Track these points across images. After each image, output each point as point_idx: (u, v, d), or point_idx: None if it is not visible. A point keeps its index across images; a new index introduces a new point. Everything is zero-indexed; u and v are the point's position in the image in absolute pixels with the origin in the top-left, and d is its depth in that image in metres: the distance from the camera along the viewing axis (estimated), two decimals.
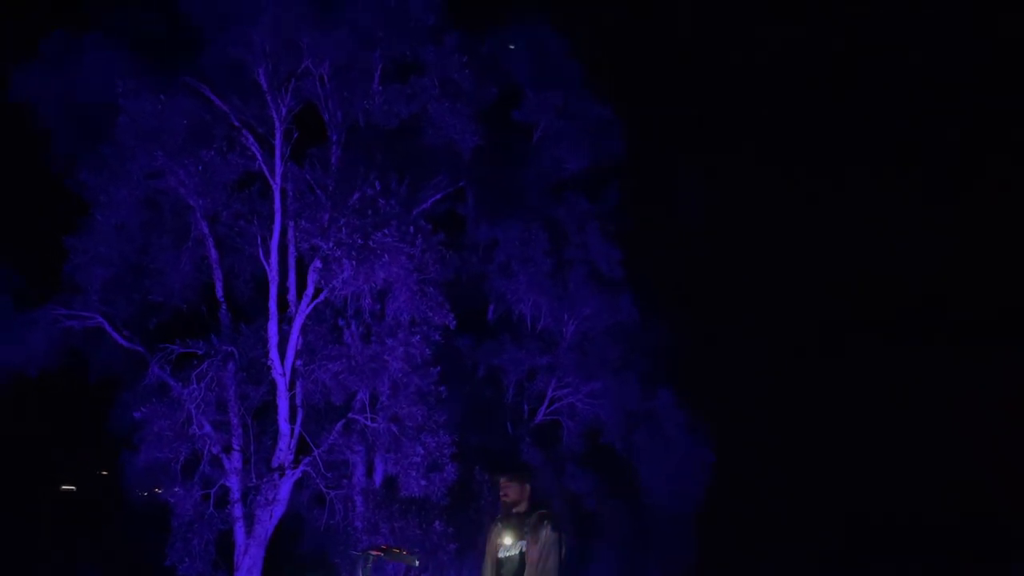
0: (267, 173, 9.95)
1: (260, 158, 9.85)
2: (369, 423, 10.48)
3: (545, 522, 4.81)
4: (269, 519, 10.51)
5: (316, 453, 10.48)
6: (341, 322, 11.48)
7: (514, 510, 4.97)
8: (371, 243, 9.09)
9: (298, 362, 10.66)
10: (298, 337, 10.50)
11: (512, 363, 12.77)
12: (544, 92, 12.76)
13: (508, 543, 4.88)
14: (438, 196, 11.80)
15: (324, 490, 10.53)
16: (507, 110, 12.70)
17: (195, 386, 9.79)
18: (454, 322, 10.55)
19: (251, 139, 9.98)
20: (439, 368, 10.47)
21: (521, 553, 4.83)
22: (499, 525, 5.05)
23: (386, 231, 9.17)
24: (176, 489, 9.80)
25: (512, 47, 12.48)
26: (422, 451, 10.27)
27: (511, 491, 4.98)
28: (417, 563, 4.61)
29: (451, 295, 11.55)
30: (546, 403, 13.11)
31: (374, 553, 4.20)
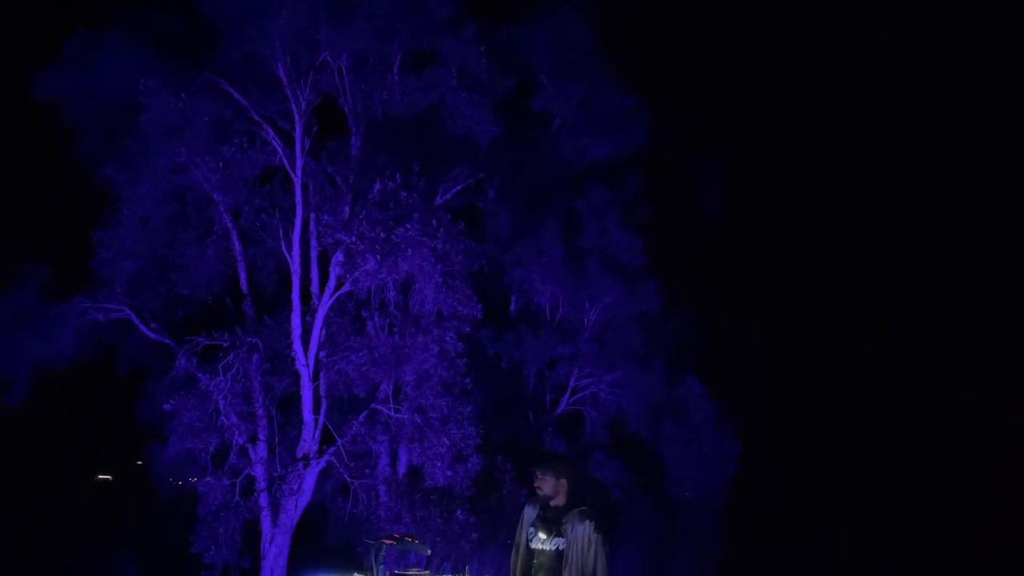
0: (288, 167, 10.04)
1: (281, 152, 9.94)
2: (392, 414, 10.56)
3: (588, 522, 4.70)
4: (295, 508, 10.67)
5: (340, 443, 10.59)
6: (365, 313, 11.59)
7: (551, 503, 4.85)
8: (394, 237, 9.12)
9: (321, 353, 10.77)
10: (321, 329, 10.60)
11: (532, 353, 12.78)
12: (564, 81, 12.68)
13: (543, 536, 4.78)
14: (458, 187, 11.82)
15: (348, 480, 10.64)
16: (526, 100, 12.64)
17: (221, 377, 9.92)
18: (481, 313, 10.60)
19: (272, 133, 10.07)
20: (464, 360, 10.52)
21: (559, 551, 4.72)
22: (533, 510, 4.93)
23: (408, 225, 9.19)
24: (208, 479, 9.97)
25: (530, 35, 12.38)
26: (447, 442, 10.35)
27: (545, 485, 4.86)
28: (429, 551, 4.62)
29: (474, 287, 11.59)
30: (568, 393, 13.10)
31: (386, 542, 4.22)
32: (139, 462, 11.67)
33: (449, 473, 10.00)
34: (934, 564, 16.32)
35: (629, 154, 13.72)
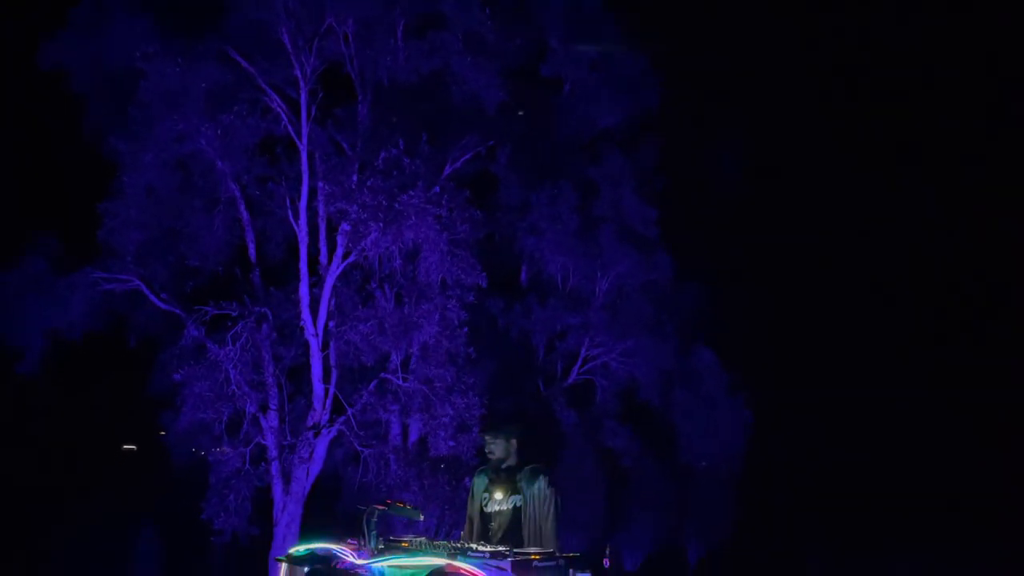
0: (293, 135, 9.96)
1: (285, 119, 9.85)
2: (401, 384, 10.56)
3: (540, 477, 4.78)
4: (306, 477, 10.74)
5: (350, 412, 10.62)
6: (373, 283, 11.57)
7: (503, 466, 4.94)
8: (396, 205, 9.04)
9: (330, 323, 10.77)
10: (329, 298, 10.59)
11: (542, 323, 12.72)
12: (574, 45, 12.44)
13: (499, 497, 4.86)
14: (468, 156, 11.67)
15: (359, 448, 10.68)
16: (535, 67, 12.44)
17: (231, 347, 9.95)
18: (486, 282, 10.52)
19: (277, 101, 9.97)
20: (466, 330, 10.47)
21: (515, 508, 4.80)
22: (484, 478, 5.05)
23: (411, 192, 9.10)
24: (222, 448, 10.04)
25: None
26: (451, 412, 10.33)
27: (497, 448, 4.95)
28: (421, 517, 4.61)
29: (483, 256, 11.50)
30: (579, 362, 13.05)
31: (378, 507, 4.20)
32: (163, 432, 11.80)
33: (452, 443, 9.99)
34: (947, 532, 16.23)
35: (641, 121, 13.51)
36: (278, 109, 9.83)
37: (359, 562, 4.08)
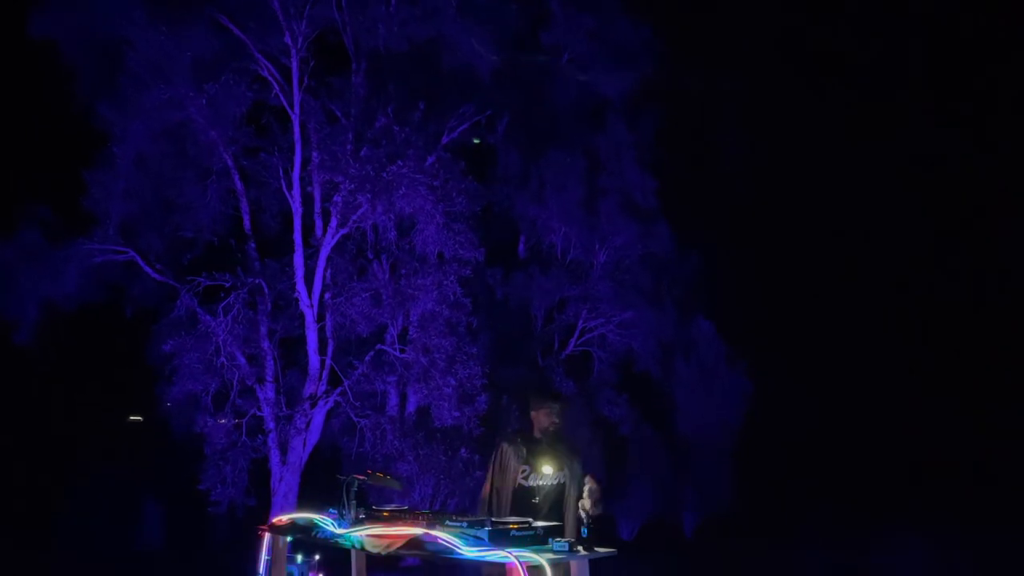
0: (285, 103, 9.85)
1: (277, 88, 9.73)
2: (398, 355, 10.55)
3: (576, 457, 4.73)
4: (303, 447, 10.77)
5: (346, 384, 10.63)
6: (371, 255, 11.52)
7: (544, 440, 4.79)
8: (385, 175, 8.94)
9: (326, 295, 10.75)
10: (324, 270, 10.54)
11: (541, 294, 12.69)
12: (574, 10, 12.22)
13: (548, 472, 4.71)
14: (465, 126, 11.56)
15: (355, 419, 10.70)
16: (534, 35, 12.24)
17: (223, 318, 9.93)
18: (483, 255, 10.46)
19: (268, 69, 9.84)
20: (470, 300, 10.43)
21: (560, 484, 4.71)
22: (520, 448, 4.82)
23: (401, 163, 8.99)
24: (209, 420, 10.06)
25: None
26: (453, 382, 10.32)
27: (549, 419, 4.81)
28: (400, 487, 4.57)
29: (481, 226, 11.42)
30: (576, 334, 13.03)
31: (358, 478, 4.19)
32: (168, 403, 11.85)
33: (456, 413, 9.99)
34: (948, 501, 16.27)
35: (641, 90, 13.32)
36: (269, 77, 9.70)
37: (339, 531, 4.08)
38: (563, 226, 12.79)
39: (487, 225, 12.40)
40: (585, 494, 4.46)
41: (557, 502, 4.70)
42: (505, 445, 4.84)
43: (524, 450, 4.79)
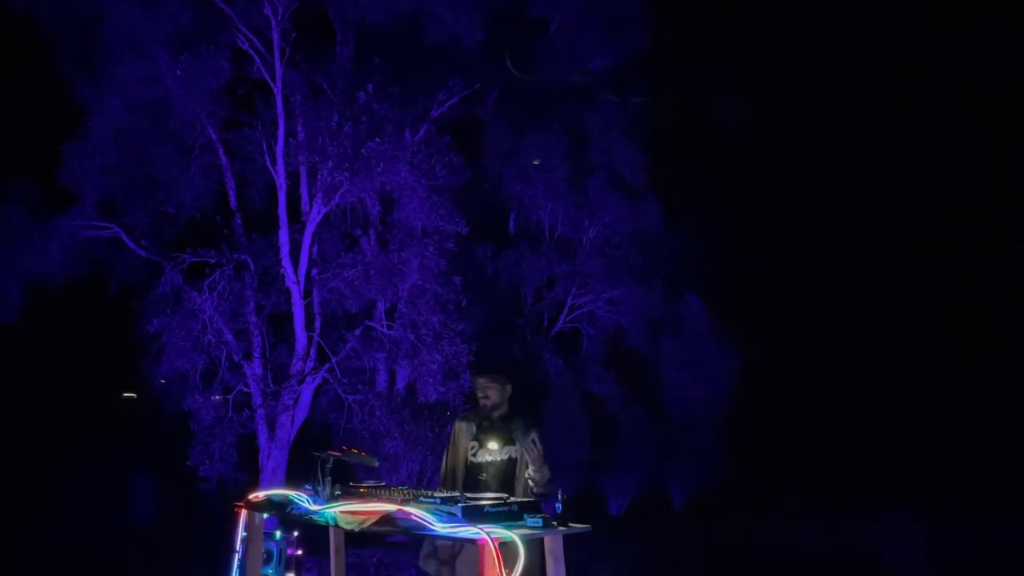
0: (267, 77, 9.72)
1: (259, 61, 9.60)
2: (386, 331, 10.52)
3: (533, 430, 4.56)
4: (291, 424, 10.77)
5: (334, 360, 10.61)
6: (358, 231, 11.45)
7: (495, 414, 4.75)
8: (364, 152, 8.84)
9: (314, 271, 10.69)
10: (311, 245, 10.47)
11: (531, 270, 12.65)
12: None
13: (493, 447, 4.66)
14: (453, 100, 11.45)
15: (343, 395, 10.69)
16: (520, 6, 12.09)
17: (208, 295, 9.88)
18: (466, 229, 10.38)
19: (251, 40, 9.69)
20: (460, 278, 10.39)
21: (510, 459, 4.62)
22: (470, 425, 4.83)
23: (378, 140, 8.88)
24: (199, 398, 10.03)
25: None
26: (440, 358, 10.30)
27: (492, 393, 4.74)
28: (376, 464, 4.54)
29: (470, 203, 11.33)
30: (566, 311, 13.02)
31: (333, 454, 4.17)
32: (162, 380, 11.83)
33: (441, 389, 9.98)
34: (937, 475, 16.41)
35: (630, 64, 13.19)
36: (250, 50, 9.55)
37: (313, 508, 4.06)
38: (550, 203, 12.73)
39: (478, 201, 12.33)
40: (529, 461, 4.44)
41: (508, 479, 4.64)
42: (458, 422, 4.88)
43: (474, 427, 4.80)
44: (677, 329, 13.47)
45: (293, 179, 10.40)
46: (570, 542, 3.98)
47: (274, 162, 10.04)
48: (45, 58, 10.13)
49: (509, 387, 4.78)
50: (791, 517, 13.49)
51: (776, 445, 16.26)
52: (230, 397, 10.11)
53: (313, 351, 10.74)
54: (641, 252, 13.11)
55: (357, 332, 10.69)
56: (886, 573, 10.05)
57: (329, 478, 4.14)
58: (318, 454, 4.20)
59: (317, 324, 10.71)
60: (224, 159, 10.37)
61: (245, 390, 10.37)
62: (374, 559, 9.73)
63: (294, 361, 10.65)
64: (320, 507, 4.02)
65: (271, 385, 10.43)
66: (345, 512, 3.86)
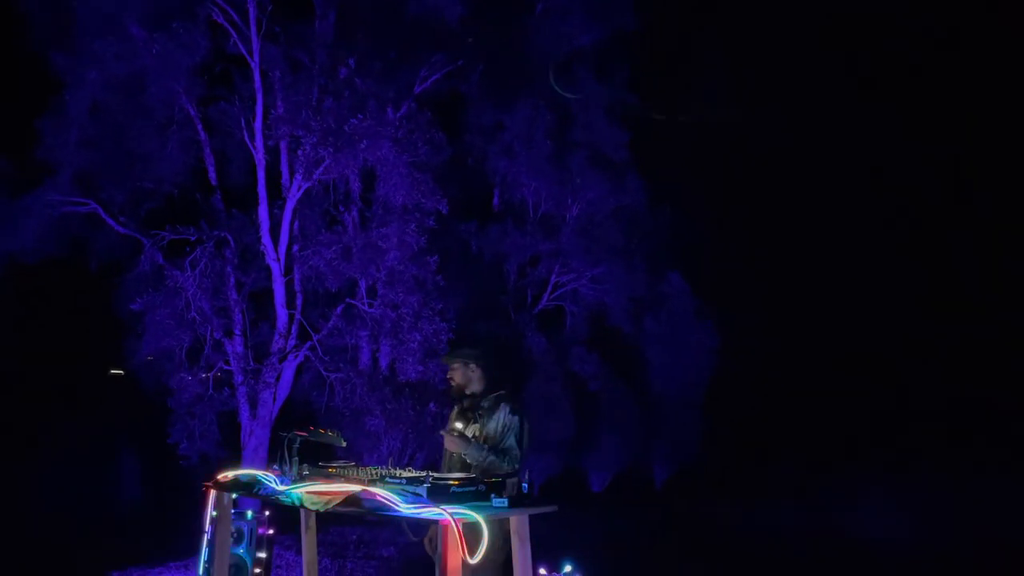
0: (244, 52, 9.57)
1: (235, 35, 9.44)
2: (367, 309, 10.48)
3: (502, 404, 4.60)
4: (273, 401, 10.74)
5: (316, 338, 10.57)
6: (342, 208, 11.37)
7: (467, 392, 4.77)
8: (346, 128, 8.74)
9: (295, 248, 10.62)
10: (291, 222, 10.39)
11: (514, 248, 12.61)
12: None
13: (460, 427, 4.68)
14: (436, 76, 11.33)
15: (324, 374, 10.67)
16: None
17: (190, 272, 9.79)
18: (446, 207, 10.31)
19: (226, 12, 9.52)
20: (436, 257, 10.34)
21: (475, 438, 4.62)
22: (455, 408, 4.90)
23: (361, 116, 8.78)
24: (182, 375, 9.97)
25: None
26: (419, 337, 10.28)
27: (456, 375, 4.78)
28: (344, 443, 4.54)
29: (453, 180, 11.25)
30: (549, 289, 13.01)
31: (299, 434, 4.15)
32: (149, 357, 11.76)
33: (420, 368, 9.96)
34: (917, 452, 16.59)
35: (617, 43, 13.09)
36: (226, 23, 9.39)
37: (280, 488, 4.06)
38: (532, 180, 12.66)
39: (462, 179, 12.26)
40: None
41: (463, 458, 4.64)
42: (454, 406, 4.89)
43: (456, 410, 4.85)
44: (659, 307, 13.49)
45: (273, 155, 10.29)
46: (546, 520, 4.02)
47: (253, 138, 9.92)
48: (20, 31, 9.94)
49: (474, 367, 4.76)
50: (771, 494, 13.64)
51: (757, 422, 16.38)
52: (210, 375, 10.06)
53: (294, 329, 10.69)
54: (624, 230, 13.08)
55: (339, 310, 10.66)
56: (864, 549, 10.17)
57: (296, 458, 4.13)
58: (284, 434, 4.19)
59: (299, 302, 10.64)
60: (203, 135, 10.22)
61: (226, 368, 10.32)
62: (353, 536, 9.78)
63: (275, 339, 10.60)
64: (286, 487, 4.01)
65: (252, 363, 10.39)
66: (311, 492, 3.86)
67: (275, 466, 4.27)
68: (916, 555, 9.78)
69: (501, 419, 4.56)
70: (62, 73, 9.04)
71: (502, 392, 4.70)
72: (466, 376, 4.77)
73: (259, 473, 4.28)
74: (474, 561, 3.40)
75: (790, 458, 15.48)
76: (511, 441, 4.54)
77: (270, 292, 10.81)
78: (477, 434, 4.62)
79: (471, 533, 3.43)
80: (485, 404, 4.69)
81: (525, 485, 3.97)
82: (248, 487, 4.24)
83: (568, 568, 4.46)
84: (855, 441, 17.40)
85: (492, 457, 4.45)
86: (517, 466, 4.47)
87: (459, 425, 4.72)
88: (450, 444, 4.55)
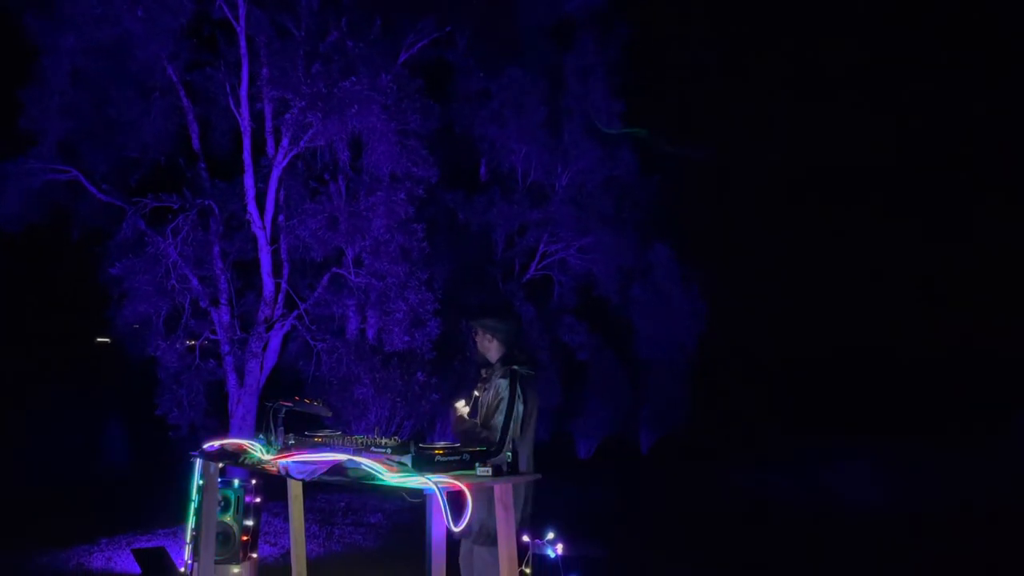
0: (230, 16, 9.39)
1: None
2: (354, 279, 10.45)
3: (505, 381, 4.45)
4: (260, 371, 10.73)
5: (303, 307, 10.54)
6: (328, 178, 11.25)
7: (484, 363, 4.65)
8: (336, 92, 8.61)
9: (280, 217, 10.53)
10: (277, 191, 10.29)
11: (502, 217, 12.55)
12: None
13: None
14: (424, 41, 11.17)
15: (311, 343, 10.65)
16: None
17: (171, 240, 9.71)
18: (436, 175, 10.23)
19: None
20: (423, 225, 10.28)
21: (481, 405, 4.53)
22: (481, 375, 4.69)
23: (353, 79, 8.65)
24: (162, 343, 9.91)
25: None
26: (404, 307, 10.26)
27: (477, 339, 4.65)
28: (330, 414, 4.51)
29: (441, 149, 11.14)
30: (537, 258, 12.99)
31: (284, 404, 4.15)
32: (136, 325, 11.68)
33: (407, 338, 9.96)
34: (903, 421, 16.81)
35: (609, 6, 12.93)
36: None
37: (266, 458, 4.07)
38: (523, 147, 12.56)
39: (449, 147, 12.14)
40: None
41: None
42: (480, 370, 4.75)
43: (482, 375, 4.71)
44: (648, 276, 13.51)
45: (259, 123, 10.16)
46: (535, 485, 4.05)
47: (238, 104, 9.78)
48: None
49: (491, 338, 4.62)
50: (755, 459, 13.79)
51: (743, 388, 16.53)
52: (197, 344, 10.02)
53: (281, 298, 10.65)
54: (613, 199, 13.04)
55: (325, 280, 10.61)
56: (842, 511, 10.37)
57: (281, 428, 4.13)
58: (270, 404, 4.19)
59: (285, 271, 10.58)
60: (186, 101, 10.06)
61: (212, 337, 10.28)
62: (342, 503, 9.85)
63: (261, 308, 10.56)
64: (272, 457, 4.02)
65: (239, 332, 10.35)
66: (298, 461, 3.87)
67: (261, 436, 4.28)
68: (889, 515, 10.13)
69: (497, 394, 4.48)
70: (39, 35, 8.82)
71: (513, 368, 4.56)
72: (483, 345, 4.66)
73: (245, 443, 4.29)
74: (458, 528, 3.44)
75: (774, 424, 15.65)
76: (499, 419, 4.50)
77: (256, 261, 10.75)
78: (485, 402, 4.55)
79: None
80: (495, 377, 4.60)
81: (508, 454, 3.99)
82: (234, 456, 4.25)
83: (550, 535, 4.50)
84: (838, 407, 17.60)
85: (485, 433, 4.44)
86: (499, 443, 4.41)
87: (476, 393, 4.66)
88: (452, 420, 4.52)
